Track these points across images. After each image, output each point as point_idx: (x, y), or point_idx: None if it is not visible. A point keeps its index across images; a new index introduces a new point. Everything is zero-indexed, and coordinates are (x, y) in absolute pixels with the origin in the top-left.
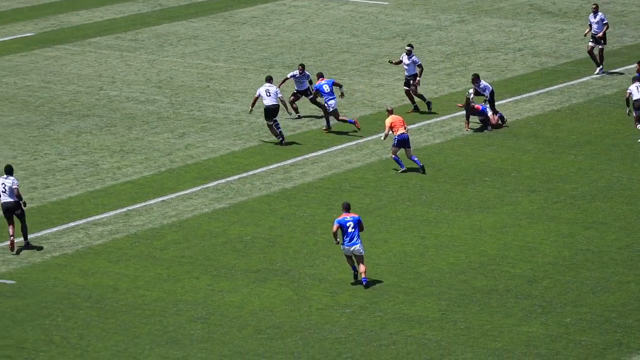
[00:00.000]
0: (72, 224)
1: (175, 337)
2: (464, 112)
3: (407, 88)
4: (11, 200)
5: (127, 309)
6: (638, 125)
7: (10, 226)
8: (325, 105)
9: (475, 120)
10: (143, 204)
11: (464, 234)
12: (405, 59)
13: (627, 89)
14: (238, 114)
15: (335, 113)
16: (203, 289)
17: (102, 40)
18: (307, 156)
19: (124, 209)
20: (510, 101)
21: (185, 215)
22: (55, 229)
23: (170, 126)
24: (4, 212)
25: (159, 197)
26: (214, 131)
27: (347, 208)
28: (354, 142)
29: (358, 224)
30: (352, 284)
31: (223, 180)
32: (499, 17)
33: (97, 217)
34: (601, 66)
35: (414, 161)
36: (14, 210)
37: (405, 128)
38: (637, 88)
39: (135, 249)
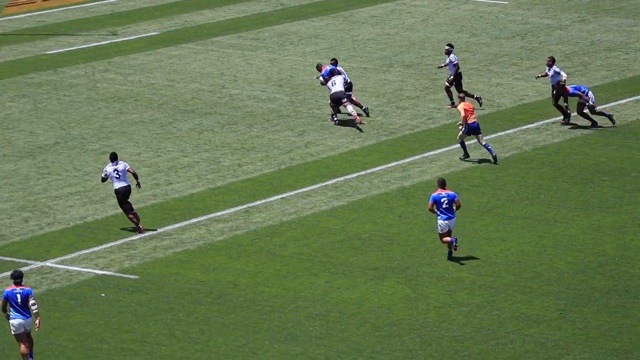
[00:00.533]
0: (194, 220)
1: (293, 333)
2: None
3: (447, 85)
4: (125, 184)
5: (246, 305)
6: None
7: (129, 215)
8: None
9: (590, 118)
10: (263, 201)
11: (583, 234)
12: (446, 59)
13: None
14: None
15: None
16: (321, 285)
17: (225, 39)
18: (425, 154)
19: (244, 206)
20: (630, 101)
21: (304, 212)
22: (177, 225)
23: (290, 124)
24: (120, 198)
25: (278, 194)
26: (333, 129)
27: (442, 184)
28: (472, 141)
29: (452, 202)
30: (448, 258)
31: (342, 178)
32: (620, 16)
33: (218, 213)
34: None
35: (487, 149)
36: (129, 193)
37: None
38: None
39: (255, 246)
